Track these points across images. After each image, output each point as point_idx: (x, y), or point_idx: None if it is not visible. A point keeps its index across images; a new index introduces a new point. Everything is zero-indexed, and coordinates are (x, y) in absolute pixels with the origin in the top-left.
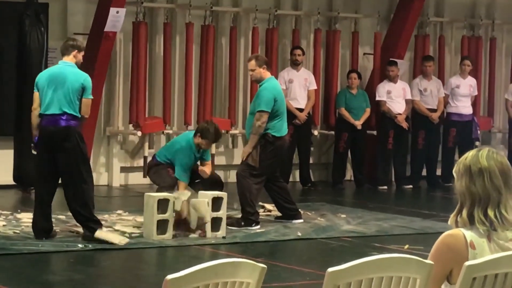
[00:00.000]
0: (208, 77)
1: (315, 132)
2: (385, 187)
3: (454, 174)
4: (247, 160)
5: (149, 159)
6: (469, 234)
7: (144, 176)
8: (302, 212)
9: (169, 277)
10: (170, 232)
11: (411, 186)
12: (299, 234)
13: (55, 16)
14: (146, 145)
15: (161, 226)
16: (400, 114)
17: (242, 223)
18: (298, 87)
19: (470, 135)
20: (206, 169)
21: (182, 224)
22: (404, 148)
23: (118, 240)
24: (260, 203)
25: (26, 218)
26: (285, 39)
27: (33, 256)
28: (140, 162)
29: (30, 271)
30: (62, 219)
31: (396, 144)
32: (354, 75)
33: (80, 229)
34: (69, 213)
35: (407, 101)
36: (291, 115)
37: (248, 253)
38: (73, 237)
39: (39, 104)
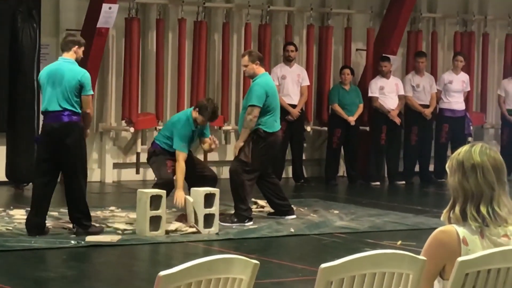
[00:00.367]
0: (201, 73)
1: (308, 128)
2: (378, 183)
3: (447, 170)
4: (239, 156)
5: (141, 155)
6: (462, 231)
7: (137, 173)
8: (295, 208)
9: (162, 273)
10: (163, 228)
11: (403, 182)
12: (292, 230)
13: (47, 12)
14: (139, 141)
15: (154, 222)
16: (393, 109)
17: (235, 220)
18: (291, 83)
19: (462, 131)
20: (207, 145)
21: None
22: (397, 144)
23: (110, 239)
24: (253, 199)
25: (19, 214)
26: (278, 35)
27: (26, 252)
28: (133, 159)
29: (23, 268)
30: (55, 215)
31: (388, 140)
32: (347, 70)
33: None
34: (62, 210)
35: (399, 97)
36: (284, 111)
37: (241, 249)
38: (66, 233)
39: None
